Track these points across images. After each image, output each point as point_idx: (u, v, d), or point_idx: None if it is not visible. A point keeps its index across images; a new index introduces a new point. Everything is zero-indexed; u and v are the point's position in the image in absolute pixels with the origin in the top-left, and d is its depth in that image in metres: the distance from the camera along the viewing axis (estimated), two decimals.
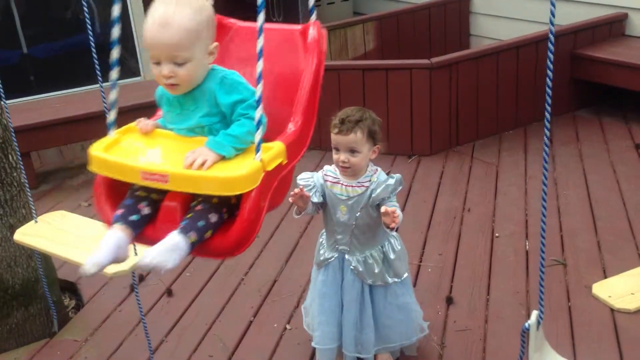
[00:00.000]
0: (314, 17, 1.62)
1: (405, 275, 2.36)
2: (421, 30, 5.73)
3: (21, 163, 2.68)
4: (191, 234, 1.37)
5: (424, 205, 3.67)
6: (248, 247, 1.43)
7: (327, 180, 2.24)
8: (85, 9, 2.11)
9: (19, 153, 2.66)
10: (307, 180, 2.25)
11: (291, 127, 1.53)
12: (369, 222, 2.22)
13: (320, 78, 1.60)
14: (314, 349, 2.59)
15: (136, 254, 2.05)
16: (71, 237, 2.31)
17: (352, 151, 2.13)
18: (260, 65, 1.33)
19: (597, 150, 4.12)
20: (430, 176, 4.00)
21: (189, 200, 1.44)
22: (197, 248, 1.40)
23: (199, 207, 1.41)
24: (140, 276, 3.20)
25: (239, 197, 1.39)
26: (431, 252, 3.22)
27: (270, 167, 1.40)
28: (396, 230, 2.14)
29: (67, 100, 4.78)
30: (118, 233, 1.42)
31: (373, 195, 2.17)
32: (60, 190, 4.32)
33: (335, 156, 2.17)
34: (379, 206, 2.16)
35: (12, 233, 2.67)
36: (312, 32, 1.61)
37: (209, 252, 1.45)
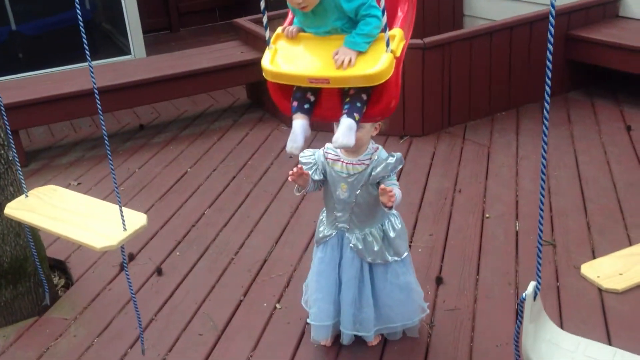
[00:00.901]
0: None
1: (406, 254, 2.36)
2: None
3: (11, 140, 2.65)
4: (355, 114, 1.82)
5: (415, 186, 3.66)
6: (395, 108, 1.86)
7: (328, 158, 2.25)
8: None
9: (9, 130, 2.62)
10: (309, 157, 2.27)
11: (400, 12, 1.91)
12: (369, 200, 2.22)
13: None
14: (304, 328, 2.60)
15: (125, 229, 2.04)
16: (62, 212, 2.29)
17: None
18: None
19: (588, 131, 4.12)
20: (422, 157, 3.99)
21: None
22: (362, 117, 1.84)
23: (352, 92, 1.84)
24: (130, 255, 3.20)
25: None
26: (422, 233, 3.22)
27: (398, 53, 1.80)
28: (390, 209, 2.14)
29: (56, 78, 4.72)
30: (301, 120, 1.88)
31: (373, 173, 2.18)
32: (49, 169, 4.29)
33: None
34: (379, 184, 2.17)
35: (0, 211, 2.65)
36: None
37: (368, 118, 1.88)
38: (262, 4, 1.87)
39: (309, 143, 2.32)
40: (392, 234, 2.30)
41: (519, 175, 3.68)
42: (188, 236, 3.38)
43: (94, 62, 2.50)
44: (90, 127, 4.90)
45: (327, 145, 2.27)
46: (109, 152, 1.99)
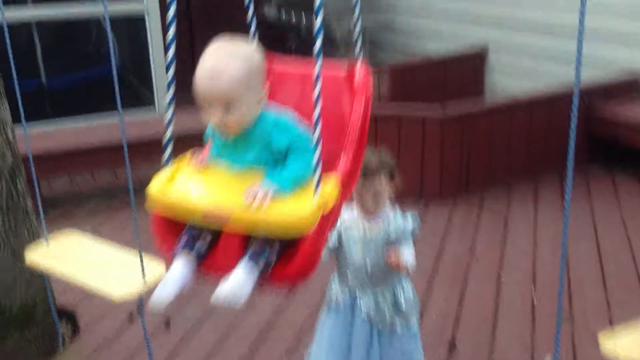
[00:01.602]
0: (360, 60, 1.66)
1: (415, 324, 2.29)
2: (436, 83, 5.78)
3: (36, 189, 2.67)
4: (257, 264, 1.40)
5: (430, 251, 3.62)
6: (310, 277, 1.45)
7: (342, 222, 2.21)
8: (110, 40, 2.14)
9: (35, 180, 2.65)
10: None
11: (342, 166, 1.57)
12: (383, 263, 2.16)
13: (368, 118, 1.63)
14: None
15: (144, 278, 2.02)
16: (81, 258, 2.28)
17: (376, 195, 2.13)
18: (318, 108, 1.36)
19: (609, 205, 4.08)
20: (438, 221, 3.96)
21: None
22: (263, 277, 1.42)
23: (259, 240, 1.43)
24: (138, 305, 3.15)
25: None
26: (436, 299, 3.16)
27: (326, 208, 1.43)
28: (408, 273, 2.10)
29: (79, 131, 4.83)
30: (183, 263, 1.45)
31: (390, 233, 2.14)
32: (67, 217, 4.31)
33: (358, 198, 2.15)
34: (394, 245, 2.14)
35: (15, 258, 2.65)
36: (358, 75, 1.65)
37: (273, 282, 1.46)
38: (169, 114, 1.51)
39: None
40: (402, 302, 2.24)
41: (537, 245, 3.62)
42: (199, 288, 3.33)
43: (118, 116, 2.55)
44: (110, 178, 4.96)
45: (341, 210, 2.23)
46: (132, 200, 1.99)
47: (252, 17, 1.76)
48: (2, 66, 2.58)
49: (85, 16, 5.88)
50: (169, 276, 1.42)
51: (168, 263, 1.49)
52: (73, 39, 6.03)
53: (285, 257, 1.45)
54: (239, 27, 6.89)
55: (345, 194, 1.55)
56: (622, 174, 4.53)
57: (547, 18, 5.17)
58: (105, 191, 4.75)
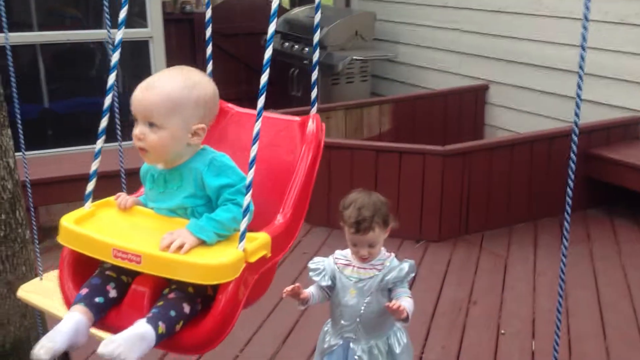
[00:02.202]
0: (314, 109, 1.61)
1: None
2: (437, 116, 5.80)
3: (33, 219, 2.66)
4: (160, 324, 1.27)
5: (429, 294, 3.59)
6: (219, 343, 1.32)
7: (338, 264, 2.20)
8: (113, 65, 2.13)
9: (31, 208, 2.64)
10: (318, 264, 2.22)
11: (279, 219, 1.46)
12: (377, 309, 2.15)
13: (315, 172, 1.56)
14: None
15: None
16: None
17: (371, 245, 2.12)
18: (254, 150, 1.28)
19: (608, 251, 4.07)
20: (438, 263, 3.94)
21: (161, 287, 1.35)
22: (165, 341, 1.29)
23: (171, 295, 1.33)
24: None
25: (216, 289, 1.30)
26: (434, 344, 3.13)
27: (253, 259, 1.32)
28: (405, 321, 2.08)
29: (79, 158, 4.81)
30: (78, 316, 1.32)
31: (386, 278, 2.13)
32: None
33: (353, 249, 2.14)
34: (389, 291, 2.12)
35: (10, 290, 2.62)
36: (311, 125, 1.59)
37: (176, 347, 1.34)
38: (98, 145, 1.47)
39: None
40: (397, 350, 2.21)
41: (536, 292, 3.60)
42: None
43: (117, 144, 2.54)
44: None
45: (337, 251, 2.23)
46: None
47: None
48: (6, 93, 2.58)
49: (89, 41, 5.90)
50: (62, 328, 1.29)
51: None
52: (77, 64, 6.04)
53: (194, 322, 1.34)
54: (243, 55, 6.88)
55: (279, 251, 1.44)
56: (621, 217, 4.53)
57: (548, 53, 5.20)
58: None
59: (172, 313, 1.29)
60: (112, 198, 1.51)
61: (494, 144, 4.49)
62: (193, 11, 7.31)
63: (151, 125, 1.38)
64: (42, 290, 2.32)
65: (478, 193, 4.31)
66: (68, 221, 1.39)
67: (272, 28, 1.30)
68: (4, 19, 2.24)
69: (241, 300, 1.33)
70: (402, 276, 2.13)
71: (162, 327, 1.27)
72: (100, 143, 1.48)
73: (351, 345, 2.21)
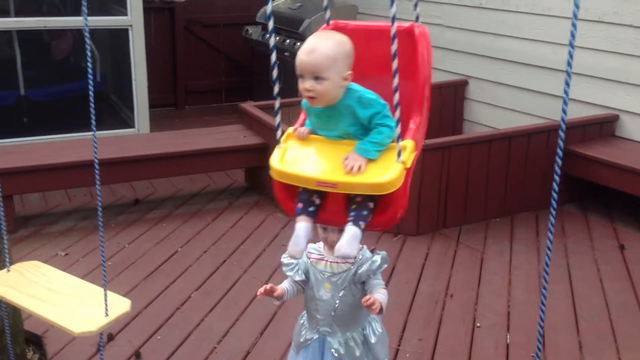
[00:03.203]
0: (419, 21, 2.01)
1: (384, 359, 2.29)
2: None
3: (2, 209, 2.62)
4: (361, 223, 1.79)
5: (406, 286, 3.62)
6: (400, 218, 1.88)
7: (310, 258, 2.21)
8: (89, 57, 2.11)
9: (0, 197, 2.60)
10: (290, 258, 2.22)
11: (413, 124, 1.90)
12: (352, 302, 2.17)
13: (430, 71, 1.98)
14: None
15: (107, 314, 1.98)
16: (42, 290, 2.23)
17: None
18: (395, 64, 1.67)
19: (582, 246, 4.13)
20: (415, 257, 3.97)
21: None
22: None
23: (358, 198, 1.81)
24: (109, 335, 3.10)
25: None
26: (411, 336, 3.15)
27: (409, 164, 1.80)
28: (380, 313, 2.10)
29: (55, 147, 4.75)
30: (304, 223, 1.85)
31: (358, 272, 2.13)
32: (38, 237, 4.23)
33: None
34: (363, 284, 2.13)
35: None
36: (418, 29, 1.99)
37: (372, 228, 1.84)
38: (277, 104, 1.87)
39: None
40: (372, 340, 2.23)
41: (512, 285, 3.65)
42: (171, 319, 3.29)
43: (97, 133, 2.51)
44: (85, 197, 4.88)
45: (310, 245, 2.22)
46: (101, 236, 1.96)
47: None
48: None
49: (68, 28, 5.82)
50: (298, 233, 1.84)
51: (291, 220, 1.91)
52: (54, 51, 5.95)
53: (381, 205, 1.82)
54: (223, 46, 6.84)
55: (419, 147, 1.90)
56: (595, 213, 4.59)
57: (527, 50, 5.24)
58: (80, 210, 4.67)
59: (365, 212, 1.80)
60: (290, 130, 1.94)
61: (472, 139, 4.52)
62: (173, 0, 7.24)
63: (316, 78, 1.77)
64: (7, 282, 2.29)
65: (456, 187, 4.34)
66: (276, 163, 1.83)
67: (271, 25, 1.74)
68: None
69: (407, 190, 1.83)
70: (374, 269, 2.14)
71: (362, 224, 1.80)
72: (277, 103, 1.88)
73: (328, 339, 2.22)
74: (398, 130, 1.76)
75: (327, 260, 2.18)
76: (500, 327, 3.24)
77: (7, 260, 2.48)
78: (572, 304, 3.45)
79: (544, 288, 1.41)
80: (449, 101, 5.90)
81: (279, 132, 1.90)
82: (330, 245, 2.13)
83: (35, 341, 3.13)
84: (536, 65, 5.19)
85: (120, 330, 3.17)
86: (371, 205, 1.82)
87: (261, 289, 2.16)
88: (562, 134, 1.41)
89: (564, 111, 1.41)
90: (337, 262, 2.16)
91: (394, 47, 1.66)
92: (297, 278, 2.21)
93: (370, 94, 1.85)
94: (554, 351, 3.04)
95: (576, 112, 4.75)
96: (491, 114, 5.68)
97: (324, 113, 1.86)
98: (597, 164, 4.43)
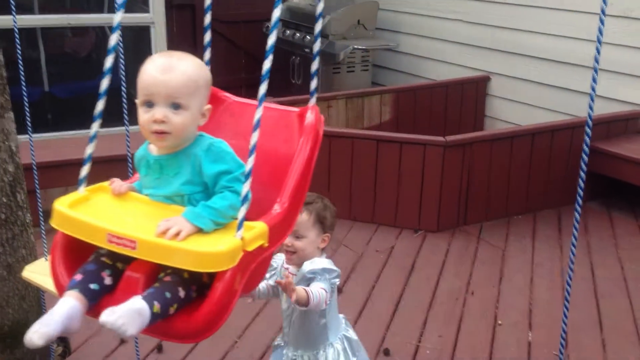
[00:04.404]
0: (313, 100, 1.57)
1: None
2: (437, 106, 5.79)
3: (39, 201, 2.66)
4: (156, 303, 1.24)
5: (426, 283, 3.61)
6: (214, 333, 1.30)
7: (283, 266, 2.08)
8: (122, 54, 2.13)
9: (37, 190, 2.64)
10: (273, 261, 2.06)
11: (277, 209, 1.43)
12: (302, 315, 2.01)
13: (313, 163, 1.53)
14: None
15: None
16: None
17: (297, 236, 1.95)
18: (255, 137, 1.26)
19: (605, 244, 4.08)
20: (435, 253, 3.95)
21: (156, 274, 1.32)
22: (157, 326, 1.26)
23: (167, 278, 1.30)
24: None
25: (212, 277, 1.27)
26: (431, 333, 3.14)
27: (251, 248, 1.29)
28: (306, 306, 1.85)
29: (79, 142, 4.79)
30: (73, 301, 1.28)
31: (306, 275, 1.95)
32: None
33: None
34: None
35: (9, 273, 2.63)
36: (309, 116, 1.56)
37: (170, 334, 1.31)
38: (94, 127, 1.41)
39: None
40: None
41: (534, 283, 3.62)
42: None
43: (117, 129, 2.53)
44: None
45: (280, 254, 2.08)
46: None
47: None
48: (9, 75, 2.57)
49: (92, 25, 5.87)
50: (56, 312, 1.26)
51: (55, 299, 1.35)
52: (78, 47, 6.01)
53: (188, 310, 1.30)
54: (243, 43, 6.85)
55: (275, 241, 1.42)
56: (619, 211, 4.54)
57: (549, 46, 5.19)
58: None
59: (167, 295, 1.27)
60: (106, 183, 1.47)
61: (494, 135, 4.49)
62: None
63: (175, 106, 1.36)
64: (46, 271, 2.33)
65: (477, 184, 4.32)
66: (61, 205, 1.35)
67: (276, 14, 1.29)
68: (12, 2, 2.24)
69: (238, 289, 1.30)
70: (317, 269, 1.95)
71: (157, 306, 1.24)
72: (95, 127, 1.42)
73: (284, 350, 2.13)
74: (246, 189, 1.28)
75: (286, 268, 2.06)
76: (522, 325, 3.21)
77: (46, 249, 2.52)
78: (596, 302, 3.41)
79: (568, 284, 1.39)
80: (470, 97, 5.87)
81: (85, 169, 1.43)
82: (286, 251, 2.00)
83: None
84: (559, 61, 5.13)
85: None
86: (180, 293, 1.29)
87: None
88: (588, 131, 1.40)
89: (591, 108, 1.39)
90: (293, 274, 2.02)
91: (258, 113, 1.28)
92: (270, 281, 2.04)
93: (224, 146, 1.42)
94: (577, 350, 3.01)
95: (601, 109, 4.69)
96: (513, 110, 5.63)
97: (157, 163, 1.41)
98: (622, 161, 4.38)
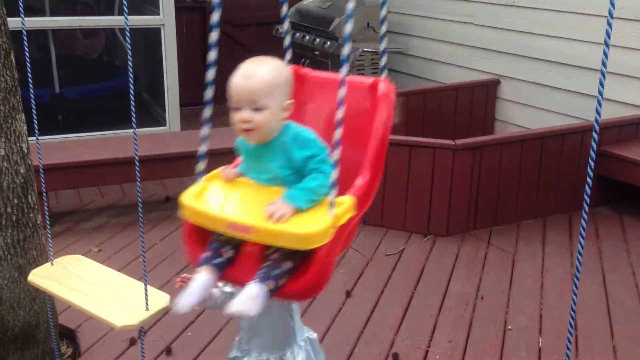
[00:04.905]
0: (385, 74, 1.79)
1: None
2: (447, 110, 5.78)
3: (45, 204, 2.67)
4: (268, 282, 1.55)
5: (436, 288, 3.59)
6: (320, 292, 1.60)
7: None
8: (129, 56, 2.14)
9: (45, 193, 2.64)
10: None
11: (360, 180, 1.66)
12: (270, 317, 1.95)
13: (389, 131, 1.74)
14: None
15: (147, 308, 2.02)
16: (84, 283, 2.28)
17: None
18: (340, 113, 1.45)
19: (616, 249, 4.05)
20: (445, 258, 3.94)
21: (266, 246, 1.59)
22: (273, 293, 1.57)
23: (274, 256, 1.58)
24: (139, 330, 3.13)
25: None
26: (441, 338, 3.13)
27: (341, 222, 1.54)
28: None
29: (90, 144, 4.82)
30: (205, 276, 1.61)
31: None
32: (72, 233, 4.30)
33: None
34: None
35: (21, 274, 2.64)
36: (382, 86, 1.77)
37: (283, 296, 1.61)
38: (204, 131, 1.63)
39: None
40: None
41: (544, 288, 3.59)
42: (201, 316, 3.32)
43: (128, 131, 2.54)
44: (117, 194, 4.94)
45: None
46: (141, 231, 1.99)
47: (288, 45, 1.90)
48: (25, 76, 2.58)
49: (103, 27, 5.90)
50: (193, 286, 1.59)
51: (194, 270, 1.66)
52: (88, 50, 6.04)
53: (296, 275, 1.57)
54: (254, 46, 6.87)
55: (361, 210, 1.64)
56: (630, 216, 4.50)
57: (560, 49, 5.17)
58: (112, 207, 4.74)
59: (276, 272, 1.56)
60: (217, 171, 1.73)
61: (504, 139, 4.46)
62: (205, 0, 7.29)
63: (255, 108, 1.58)
64: (52, 275, 2.34)
65: (487, 188, 4.30)
66: (188, 198, 1.61)
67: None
68: (20, 4, 2.25)
69: (334, 255, 1.56)
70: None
71: (270, 284, 1.55)
72: (207, 129, 1.66)
73: (245, 359, 2.05)
74: (334, 175, 1.51)
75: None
76: (532, 330, 3.19)
77: (51, 254, 2.53)
78: (607, 308, 3.39)
79: (574, 293, 1.37)
80: (480, 100, 5.85)
81: (201, 164, 1.67)
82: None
83: (69, 335, 3.19)
84: (570, 64, 5.11)
85: (152, 326, 3.20)
86: (288, 266, 1.58)
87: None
88: (595, 135, 1.38)
89: (598, 112, 1.38)
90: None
91: (342, 92, 1.45)
92: (228, 289, 1.95)
93: (309, 133, 1.65)
94: (587, 356, 2.98)
95: (612, 112, 4.66)
96: (523, 113, 5.61)
97: (255, 152, 1.66)
98: (633, 165, 4.34)
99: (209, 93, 1.61)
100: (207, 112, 1.65)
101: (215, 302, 1.94)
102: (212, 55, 1.61)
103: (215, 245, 1.65)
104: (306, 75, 1.90)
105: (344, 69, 1.45)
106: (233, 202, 1.64)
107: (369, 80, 1.79)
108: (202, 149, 1.65)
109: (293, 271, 1.58)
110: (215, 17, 1.63)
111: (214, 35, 1.62)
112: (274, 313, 1.94)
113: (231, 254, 1.64)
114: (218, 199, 1.64)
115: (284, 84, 1.64)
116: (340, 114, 1.45)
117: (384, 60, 1.77)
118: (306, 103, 1.85)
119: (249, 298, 1.51)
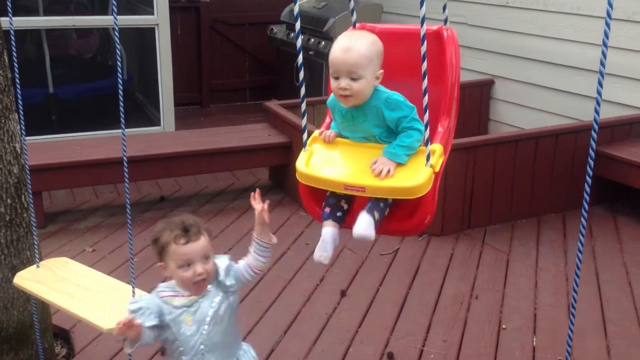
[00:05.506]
0: (447, 23, 2.02)
1: None
2: None
3: (32, 205, 2.66)
4: (375, 213, 1.81)
5: (430, 287, 3.60)
6: (427, 227, 1.91)
7: (163, 297, 1.93)
8: (118, 56, 2.14)
9: (31, 195, 2.64)
10: (136, 303, 1.93)
11: (441, 128, 1.90)
12: (223, 328, 1.94)
13: (459, 74, 1.95)
14: None
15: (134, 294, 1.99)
16: (71, 286, 2.27)
17: (354, 78, 1.85)
18: (424, 66, 1.68)
19: (610, 248, 4.06)
20: (440, 257, 3.94)
21: None
22: (386, 227, 1.87)
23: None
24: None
25: None
26: (436, 337, 3.14)
27: (438, 168, 1.81)
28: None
29: (84, 144, 4.81)
30: (331, 228, 1.87)
31: (221, 279, 1.94)
32: (66, 233, 4.28)
33: (185, 274, 1.87)
34: (231, 293, 1.96)
35: (14, 275, 2.62)
36: (447, 32, 1.97)
37: (399, 232, 1.97)
38: (303, 107, 1.88)
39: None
40: None
41: (538, 287, 3.61)
42: None
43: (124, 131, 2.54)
44: (111, 194, 4.93)
45: (160, 285, 1.97)
46: (130, 234, 1.98)
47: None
48: (13, 76, 2.57)
49: (96, 27, 5.89)
50: (325, 239, 1.85)
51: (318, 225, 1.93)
52: (82, 49, 6.02)
53: (409, 210, 1.85)
54: (248, 45, 6.86)
55: (447, 151, 1.93)
56: (624, 215, 4.52)
57: (554, 49, 5.18)
58: (106, 207, 4.72)
59: (382, 204, 1.83)
60: (316, 133, 1.96)
61: (498, 139, 4.47)
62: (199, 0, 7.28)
63: (353, 78, 1.79)
64: (38, 278, 2.33)
65: (481, 188, 4.31)
66: (303, 166, 1.86)
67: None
68: (8, 3, 2.24)
69: (435, 193, 1.84)
70: (232, 266, 2.00)
71: (377, 215, 1.81)
72: (303, 106, 1.92)
73: None
74: (427, 133, 1.77)
75: (182, 296, 1.92)
76: (526, 329, 3.20)
77: (37, 256, 2.52)
78: (601, 307, 3.40)
79: (575, 291, 1.38)
80: (474, 101, 5.86)
81: (305, 135, 1.91)
82: (194, 282, 1.88)
83: (63, 336, 3.18)
84: (564, 64, 5.13)
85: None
86: (389, 201, 1.86)
87: (122, 320, 1.81)
88: (594, 135, 1.40)
89: (597, 112, 1.39)
90: (190, 296, 1.93)
91: (424, 48, 1.67)
92: (149, 323, 1.87)
93: (398, 96, 1.86)
94: (581, 355, 2.99)
95: (605, 113, 4.66)
96: (517, 114, 5.63)
97: (349, 113, 1.87)
98: (627, 165, 4.36)
99: (301, 75, 1.88)
100: (303, 90, 1.87)
101: (149, 338, 1.89)
102: (300, 59, 1.87)
103: (331, 200, 1.90)
104: (373, 29, 2.07)
105: (423, 27, 1.69)
106: (341, 164, 1.86)
107: (433, 27, 1.96)
108: (304, 122, 1.91)
109: (392, 206, 1.86)
110: (297, 26, 1.86)
111: (298, 43, 1.87)
112: (225, 320, 1.93)
113: (347, 205, 1.91)
114: (327, 162, 1.87)
115: (377, 56, 1.85)
116: (424, 67, 1.66)
117: (446, 13, 2.02)
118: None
119: (366, 224, 1.77)
